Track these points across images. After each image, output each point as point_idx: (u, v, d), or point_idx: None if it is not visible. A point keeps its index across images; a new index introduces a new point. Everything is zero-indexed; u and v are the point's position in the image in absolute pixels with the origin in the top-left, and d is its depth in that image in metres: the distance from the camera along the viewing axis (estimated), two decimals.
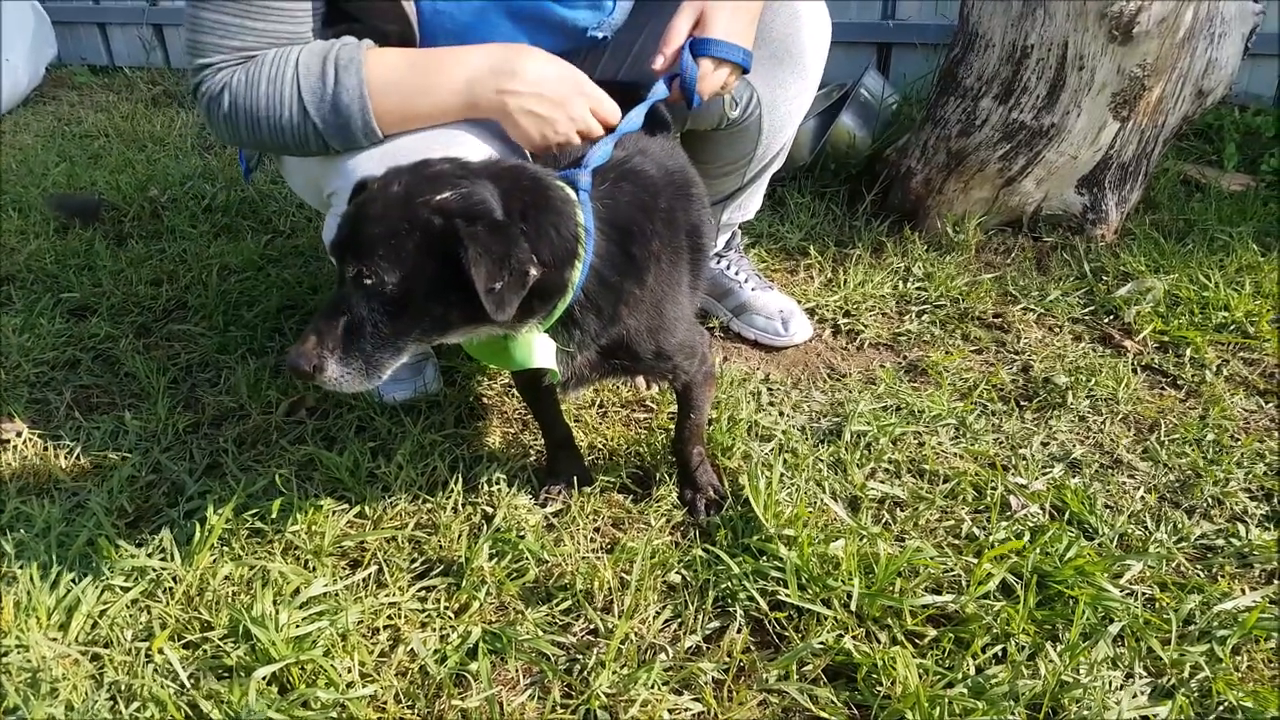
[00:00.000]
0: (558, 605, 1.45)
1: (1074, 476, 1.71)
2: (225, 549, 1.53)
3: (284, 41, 1.50)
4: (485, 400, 1.98)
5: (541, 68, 1.48)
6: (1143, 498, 1.66)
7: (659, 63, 1.56)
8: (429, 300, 1.21)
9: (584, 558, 1.53)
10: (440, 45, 1.57)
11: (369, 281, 1.18)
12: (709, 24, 1.55)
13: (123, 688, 1.29)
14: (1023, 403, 1.96)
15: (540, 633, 1.39)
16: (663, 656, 1.35)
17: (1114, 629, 1.35)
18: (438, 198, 1.18)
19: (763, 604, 1.42)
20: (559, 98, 1.47)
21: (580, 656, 1.36)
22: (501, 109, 1.48)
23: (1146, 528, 1.59)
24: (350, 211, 1.25)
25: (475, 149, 1.50)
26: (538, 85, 1.46)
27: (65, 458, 1.81)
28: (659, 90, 1.56)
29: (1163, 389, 2.00)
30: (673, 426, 1.69)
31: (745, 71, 1.62)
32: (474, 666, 1.32)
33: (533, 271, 1.18)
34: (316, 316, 1.24)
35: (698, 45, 1.55)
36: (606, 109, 1.51)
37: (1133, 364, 2.07)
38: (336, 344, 1.21)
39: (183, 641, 1.37)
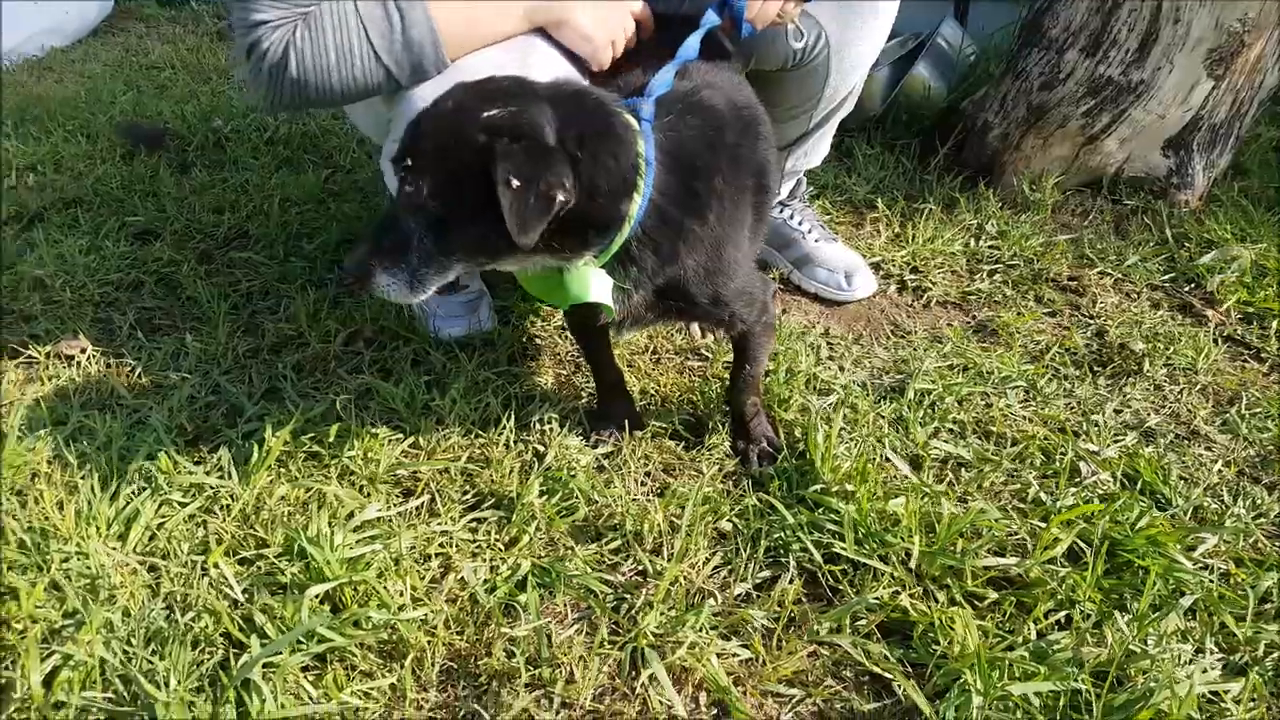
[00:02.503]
0: (607, 544, 1.43)
1: (1148, 445, 1.64)
2: (282, 470, 1.54)
3: None
4: (539, 341, 1.96)
5: None
6: (1220, 471, 1.59)
7: None
8: (469, 219, 1.19)
9: (634, 500, 1.51)
10: None
11: (412, 195, 1.18)
12: None
13: (179, 598, 1.32)
14: (1096, 368, 1.87)
15: (589, 570, 1.38)
16: (711, 601, 1.33)
17: (1186, 602, 1.30)
18: (485, 114, 1.16)
19: (817, 556, 1.39)
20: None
21: (628, 596, 1.35)
22: (560, 20, 1.49)
23: (1223, 501, 1.52)
24: (411, 125, 1.23)
25: (546, 57, 1.48)
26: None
27: (127, 376, 1.84)
28: (710, 18, 1.51)
29: (1245, 361, 1.91)
30: (727, 376, 1.65)
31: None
32: (523, 598, 1.32)
33: (560, 197, 1.14)
34: (372, 227, 1.23)
35: None
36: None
37: (1214, 334, 1.97)
38: (386, 255, 1.22)
39: (238, 557, 1.39)
